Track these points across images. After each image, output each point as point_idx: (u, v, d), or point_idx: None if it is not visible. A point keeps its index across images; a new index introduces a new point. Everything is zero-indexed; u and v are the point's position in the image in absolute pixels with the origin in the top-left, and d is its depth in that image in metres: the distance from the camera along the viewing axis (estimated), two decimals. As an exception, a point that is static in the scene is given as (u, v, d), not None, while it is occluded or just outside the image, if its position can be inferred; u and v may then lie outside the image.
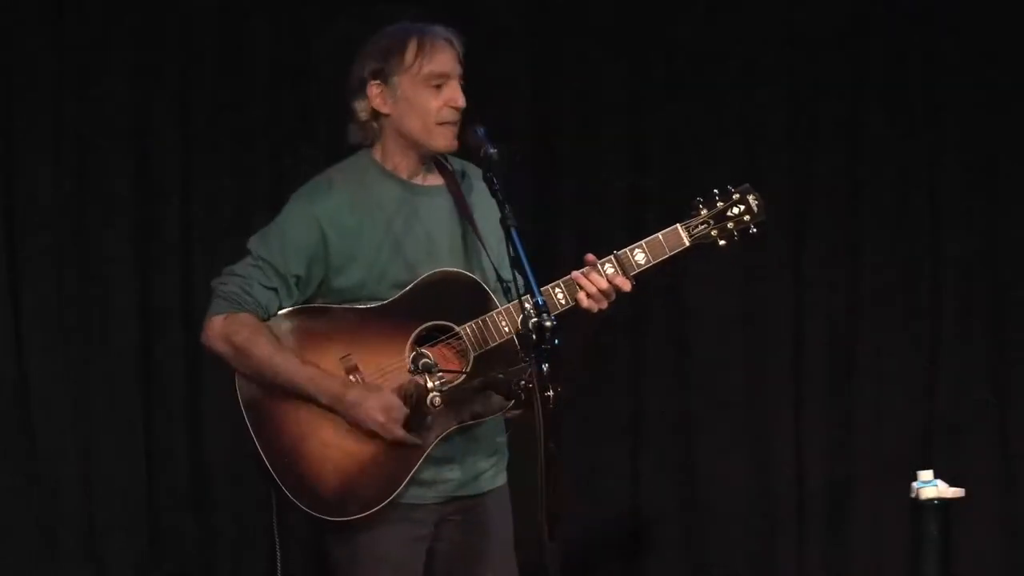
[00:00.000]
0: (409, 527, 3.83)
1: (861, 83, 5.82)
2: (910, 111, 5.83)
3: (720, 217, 3.76)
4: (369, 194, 3.83)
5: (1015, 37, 5.76)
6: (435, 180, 3.89)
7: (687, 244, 3.73)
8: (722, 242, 3.78)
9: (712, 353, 5.79)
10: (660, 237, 3.72)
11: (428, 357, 3.77)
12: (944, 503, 4.73)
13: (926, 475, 4.78)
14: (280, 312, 3.78)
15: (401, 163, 3.85)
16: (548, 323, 3.41)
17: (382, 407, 3.71)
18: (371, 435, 3.75)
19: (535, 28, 5.70)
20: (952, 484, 4.76)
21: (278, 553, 3.89)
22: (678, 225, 3.72)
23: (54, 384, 5.39)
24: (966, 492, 4.78)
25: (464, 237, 3.83)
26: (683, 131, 5.78)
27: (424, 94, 3.83)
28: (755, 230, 3.78)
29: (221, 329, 3.78)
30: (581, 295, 3.70)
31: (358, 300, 3.77)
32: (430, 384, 3.75)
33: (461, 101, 3.82)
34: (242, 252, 5.63)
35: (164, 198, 5.50)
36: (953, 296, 5.83)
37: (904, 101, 5.83)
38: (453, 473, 3.85)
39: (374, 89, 3.85)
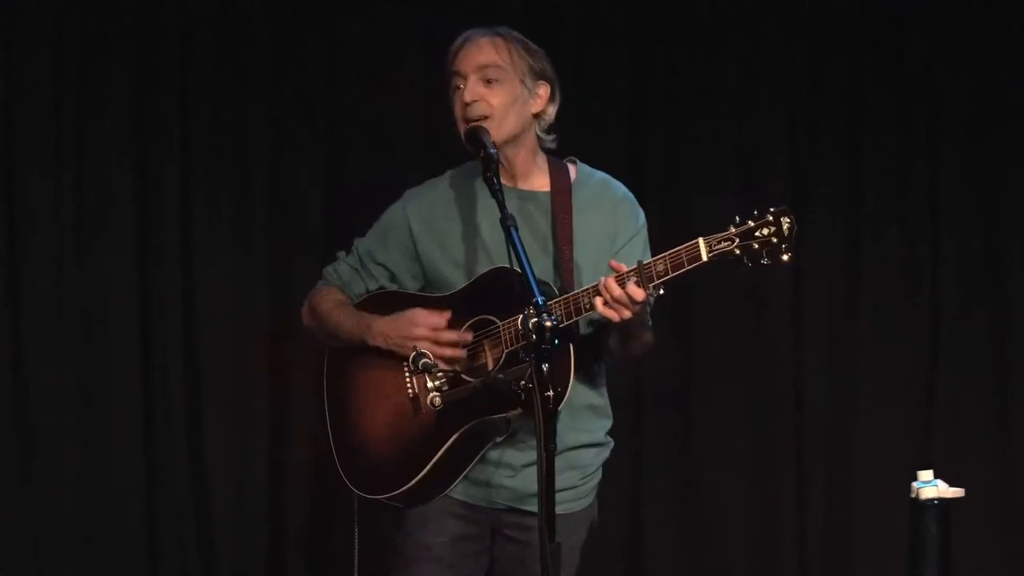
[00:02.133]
0: (455, 523, 3.90)
1: (861, 83, 5.82)
2: (909, 111, 5.83)
3: (746, 236, 3.62)
4: (466, 195, 3.95)
5: (1015, 36, 5.76)
6: (540, 185, 3.95)
7: (704, 259, 3.63)
8: (748, 263, 3.63)
9: (711, 353, 5.78)
10: (682, 249, 3.66)
11: (428, 357, 3.81)
12: (944, 503, 4.72)
13: (926, 475, 4.77)
14: (365, 292, 4.03)
15: (498, 168, 3.87)
16: (548, 323, 3.42)
17: (400, 322, 3.86)
18: (400, 423, 3.85)
19: (534, 28, 5.68)
20: (952, 484, 4.75)
21: (356, 555, 4.00)
22: (700, 239, 3.65)
23: (54, 384, 5.38)
24: (966, 492, 4.78)
25: (554, 241, 3.89)
26: (683, 131, 5.78)
27: (454, 100, 3.90)
28: (787, 257, 3.62)
29: (308, 301, 4.09)
30: (598, 300, 3.70)
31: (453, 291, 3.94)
32: (430, 384, 3.78)
33: (467, 95, 3.84)
34: (241, 252, 5.68)
35: (164, 198, 5.49)
36: (953, 296, 5.83)
37: (904, 101, 5.82)
38: (509, 481, 3.89)
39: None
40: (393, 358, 3.90)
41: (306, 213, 5.58)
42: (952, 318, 5.82)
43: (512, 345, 3.77)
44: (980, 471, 5.68)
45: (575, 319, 3.73)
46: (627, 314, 3.68)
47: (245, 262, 5.55)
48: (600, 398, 3.99)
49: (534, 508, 3.81)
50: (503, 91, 3.86)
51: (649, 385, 5.76)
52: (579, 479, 3.92)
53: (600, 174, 4.02)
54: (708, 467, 5.78)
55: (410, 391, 3.88)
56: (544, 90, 3.93)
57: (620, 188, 4.02)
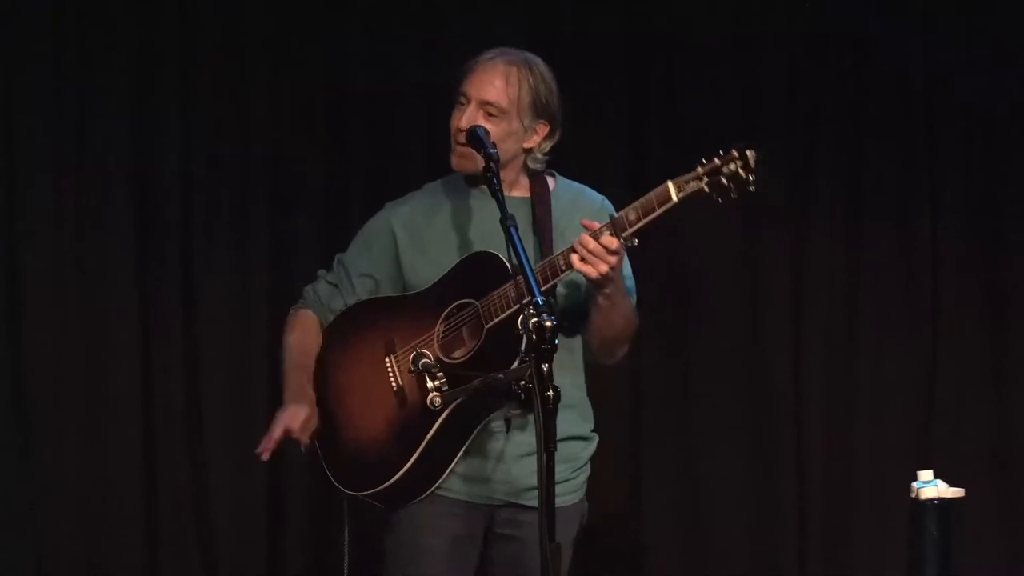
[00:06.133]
0: (451, 523, 3.90)
1: (861, 81, 5.82)
2: (910, 111, 5.83)
3: (714, 172, 3.68)
4: (449, 202, 3.98)
5: (1015, 35, 5.76)
6: (521, 192, 3.99)
7: (675, 200, 3.68)
8: (719, 198, 3.68)
9: (711, 352, 5.78)
10: (652, 195, 3.71)
11: (428, 357, 3.81)
12: (944, 503, 4.72)
13: (926, 475, 4.78)
14: (344, 307, 4.02)
15: (480, 176, 3.89)
16: (548, 323, 3.42)
17: (286, 415, 3.94)
18: (385, 417, 3.86)
19: (534, 28, 5.69)
20: (952, 484, 4.76)
21: (345, 557, 3.98)
22: (669, 182, 3.70)
23: (54, 384, 5.39)
24: (966, 492, 4.78)
25: (536, 245, 3.90)
26: (683, 131, 5.77)
27: (455, 113, 3.93)
28: (754, 188, 3.67)
29: (286, 322, 4.12)
30: (574, 257, 3.72)
31: None
32: (429, 384, 3.78)
33: (462, 122, 3.89)
34: (240, 252, 5.67)
35: (164, 197, 5.49)
36: (953, 296, 5.83)
37: (904, 101, 5.82)
38: (500, 475, 3.88)
39: None
40: (373, 353, 3.92)
41: (306, 213, 5.58)
42: (952, 318, 5.82)
43: (492, 320, 3.77)
44: (980, 471, 5.68)
45: (552, 282, 3.75)
46: (604, 268, 3.71)
47: (245, 262, 5.55)
48: (579, 391, 4.01)
49: (530, 502, 3.82)
50: (498, 127, 3.90)
51: (649, 384, 5.77)
52: (570, 472, 3.93)
53: (578, 184, 4.07)
54: (708, 467, 5.78)
55: (393, 384, 3.89)
56: (542, 128, 3.96)
57: (598, 196, 4.06)
